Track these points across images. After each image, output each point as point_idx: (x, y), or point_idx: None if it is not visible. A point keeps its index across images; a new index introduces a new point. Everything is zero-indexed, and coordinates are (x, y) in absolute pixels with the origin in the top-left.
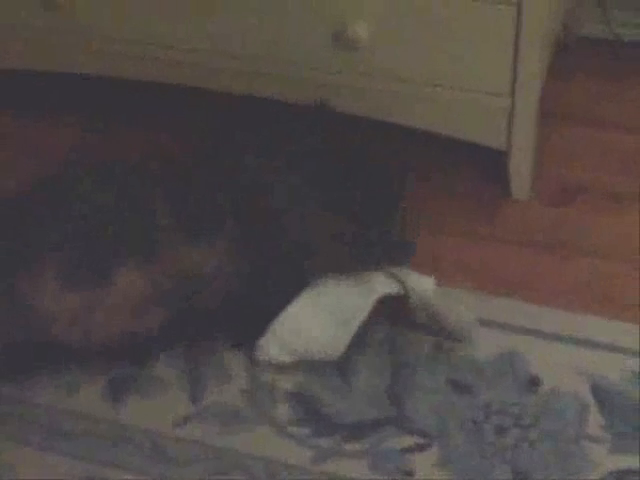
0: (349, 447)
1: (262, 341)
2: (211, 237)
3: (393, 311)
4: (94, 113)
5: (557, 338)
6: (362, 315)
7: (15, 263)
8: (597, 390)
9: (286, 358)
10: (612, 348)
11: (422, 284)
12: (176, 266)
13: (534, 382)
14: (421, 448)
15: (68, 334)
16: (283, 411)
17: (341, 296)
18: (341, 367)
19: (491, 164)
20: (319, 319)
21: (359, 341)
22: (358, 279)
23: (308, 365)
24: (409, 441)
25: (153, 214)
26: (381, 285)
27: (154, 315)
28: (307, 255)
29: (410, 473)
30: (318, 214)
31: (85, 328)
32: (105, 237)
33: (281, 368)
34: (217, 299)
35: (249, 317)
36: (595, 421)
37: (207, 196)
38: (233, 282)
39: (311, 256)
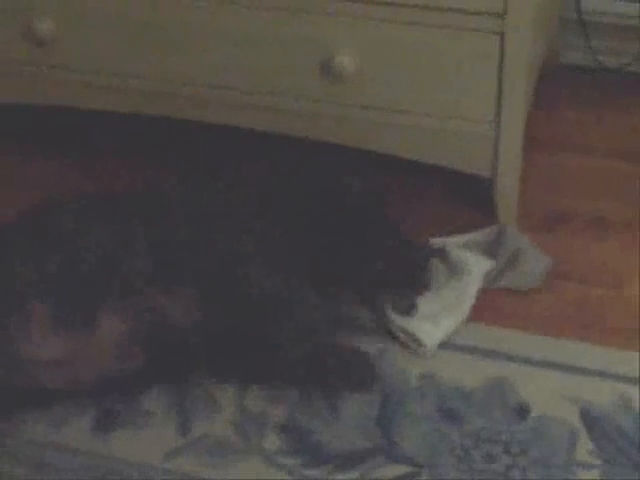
0: (339, 477)
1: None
2: (186, 287)
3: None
4: (80, 145)
5: (545, 365)
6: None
7: (1, 308)
8: (586, 416)
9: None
10: (600, 374)
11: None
12: (151, 316)
13: (523, 409)
14: (411, 477)
15: (54, 379)
16: (273, 441)
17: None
18: (329, 396)
19: (477, 191)
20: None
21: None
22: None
23: (296, 395)
24: (399, 470)
25: (132, 256)
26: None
27: (136, 355)
28: (274, 312)
29: None
30: (290, 275)
31: (70, 372)
32: (87, 279)
33: (270, 398)
34: (191, 346)
35: (229, 359)
36: (585, 447)
37: (184, 242)
38: (205, 333)
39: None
